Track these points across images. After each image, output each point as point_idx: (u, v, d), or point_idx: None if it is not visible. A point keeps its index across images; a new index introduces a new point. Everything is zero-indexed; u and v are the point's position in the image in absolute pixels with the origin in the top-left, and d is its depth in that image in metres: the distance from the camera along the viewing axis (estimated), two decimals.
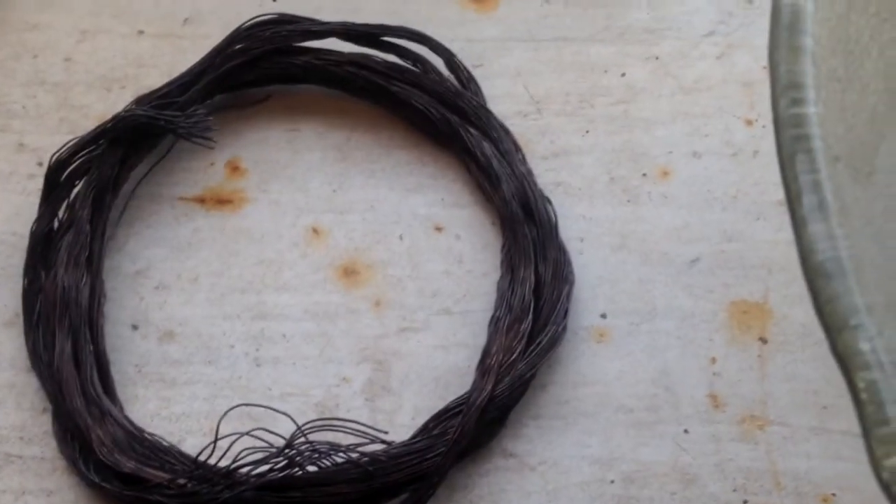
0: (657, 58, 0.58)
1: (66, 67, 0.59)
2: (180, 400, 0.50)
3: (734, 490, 0.47)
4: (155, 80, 0.58)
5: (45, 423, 0.50)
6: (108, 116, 0.56)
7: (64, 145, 0.53)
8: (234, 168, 0.55)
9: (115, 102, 0.57)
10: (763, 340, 0.50)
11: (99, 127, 0.53)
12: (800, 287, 0.51)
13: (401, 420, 0.49)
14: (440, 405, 0.49)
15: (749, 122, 0.56)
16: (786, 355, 0.50)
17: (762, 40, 0.56)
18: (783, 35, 0.36)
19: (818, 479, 0.48)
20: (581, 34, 0.59)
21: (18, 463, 0.49)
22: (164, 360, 0.51)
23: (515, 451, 0.49)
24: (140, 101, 0.54)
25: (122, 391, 0.51)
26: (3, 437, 0.49)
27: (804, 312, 0.51)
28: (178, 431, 0.50)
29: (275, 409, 0.48)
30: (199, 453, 0.46)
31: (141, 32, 0.59)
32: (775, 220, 0.53)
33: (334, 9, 0.58)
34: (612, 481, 0.48)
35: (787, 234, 0.53)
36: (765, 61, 0.55)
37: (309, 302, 0.52)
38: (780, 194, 0.52)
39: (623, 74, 0.57)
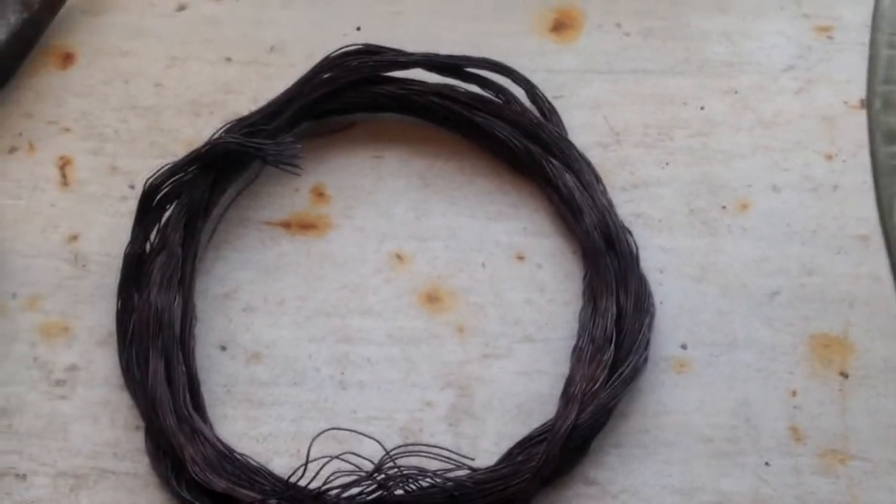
0: (736, 91, 0.58)
1: (157, 92, 0.60)
2: (267, 420, 0.51)
3: None
4: (242, 105, 0.59)
5: (138, 440, 0.51)
6: (197, 140, 0.57)
7: (157, 170, 0.54)
8: (319, 194, 0.57)
9: (203, 127, 0.59)
10: (844, 375, 0.51)
11: (192, 153, 0.55)
12: (882, 321, 0.51)
13: (484, 446, 0.50)
14: (522, 431, 0.50)
15: (829, 157, 0.56)
16: (867, 390, 0.51)
17: (842, 75, 0.57)
18: (880, 86, 0.37)
19: None
20: (660, 66, 0.59)
21: (112, 478, 0.50)
22: (251, 380, 0.52)
23: (597, 478, 0.50)
24: (230, 128, 0.55)
25: (211, 411, 0.52)
26: (97, 453, 0.51)
27: (886, 347, 0.51)
28: (265, 452, 0.51)
29: (364, 434, 0.48)
30: (291, 474, 0.47)
31: (228, 59, 0.61)
32: (856, 255, 0.54)
33: (416, 40, 0.60)
34: None
35: (869, 268, 0.54)
36: (845, 96, 0.56)
37: (393, 327, 0.53)
38: (861, 229, 0.53)
39: (702, 107, 0.58)
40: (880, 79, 0.38)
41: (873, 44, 0.38)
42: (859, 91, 0.57)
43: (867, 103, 0.37)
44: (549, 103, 0.57)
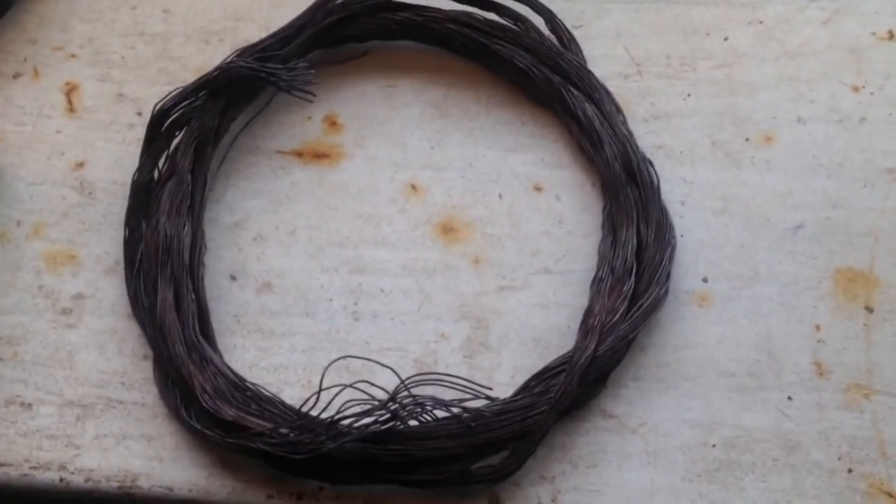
0: (761, 22, 0.57)
1: (165, 19, 0.59)
2: (278, 351, 0.50)
3: (839, 458, 0.47)
4: (252, 33, 0.58)
5: (146, 369, 0.50)
6: (206, 68, 0.56)
7: (166, 96, 0.53)
8: (332, 123, 0.55)
9: (213, 54, 0.57)
10: (869, 309, 0.50)
11: (201, 78, 0.53)
12: None
13: (499, 378, 0.49)
14: (539, 364, 0.49)
15: (856, 89, 0.55)
16: (892, 324, 0.50)
17: (870, 6, 0.55)
18: None
19: None
20: None
21: (120, 408, 0.49)
22: (262, 311, 0.51)
23: (615, 412, 0.48)
24: (242, 53, 0.54)
25: (221, 341, 0.51)
26: (104, 382, 0.50)
27: None
28: (276, 382, 0.50)
29: (378, 363, 0.47)
30: (303, 403, 0.46)
31: None
32: (882, 188, 0.52)
33: None
34: (714, 445, 0.47)
35: (895, 201, 0.53)
36: (873, 27, 0.54)
37: (407, 258, 0.52)
38: (887, 162, 0.51)
39: (726, 38, 0.56)
40: None
41: None
42: (888, 22, 0.55)
43: None
44: (569, 32, 0.56)
